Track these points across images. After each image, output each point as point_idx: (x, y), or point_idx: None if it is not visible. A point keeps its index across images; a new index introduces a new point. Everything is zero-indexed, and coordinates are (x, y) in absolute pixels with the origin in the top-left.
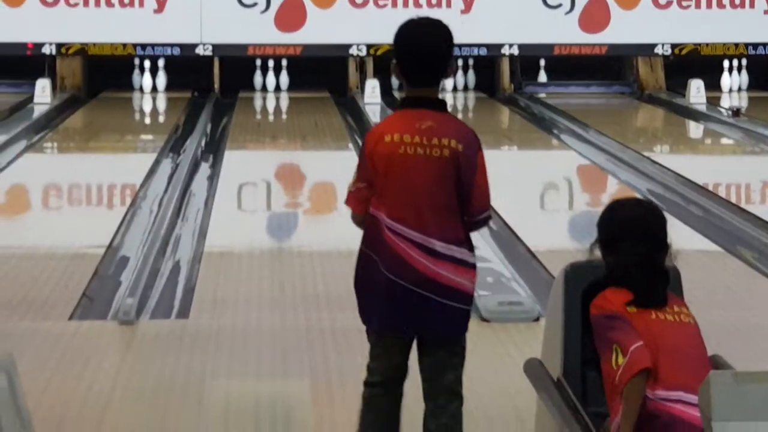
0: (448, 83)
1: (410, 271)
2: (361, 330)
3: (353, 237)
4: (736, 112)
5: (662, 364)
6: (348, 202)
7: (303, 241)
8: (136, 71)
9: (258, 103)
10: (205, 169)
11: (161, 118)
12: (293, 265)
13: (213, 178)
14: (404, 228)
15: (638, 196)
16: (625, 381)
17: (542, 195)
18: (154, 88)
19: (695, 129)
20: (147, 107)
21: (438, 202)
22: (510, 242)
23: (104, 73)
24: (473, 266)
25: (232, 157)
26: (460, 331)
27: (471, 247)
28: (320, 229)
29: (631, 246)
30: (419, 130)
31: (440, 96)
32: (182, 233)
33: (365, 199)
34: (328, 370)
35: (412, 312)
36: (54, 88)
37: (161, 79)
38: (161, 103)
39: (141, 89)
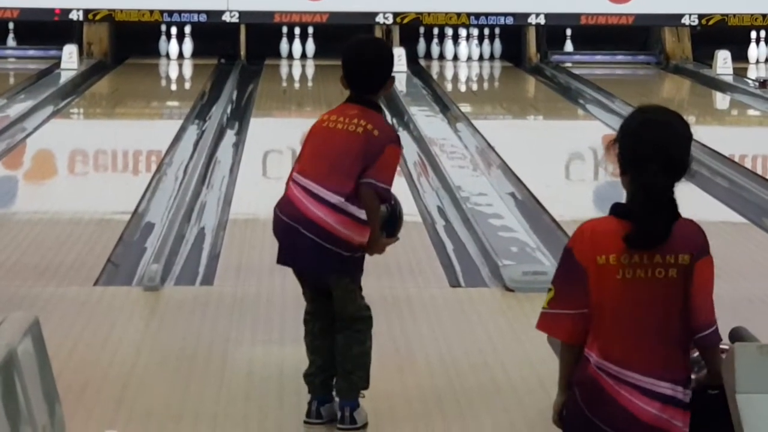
0: (474, 52)
1: (291, 208)
2: (383, 297)
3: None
4: (763, 83)
5: (602, 331)
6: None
7: None
8: (163, 38)
9: (284, 70)
10: (230, 136)
11: (187, 85)
12: None
13: (238, 146)
14: (302, 178)
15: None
16: (538, 327)
17: (567, 165)
18: (181, 55)
19: (722, 100)
20: (173, 74)
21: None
22: (535, 212)
23: (131, 40)
24: (360, 220)
25: (257, 125)
26: (332, 271)
27: (360, 205)
28: None
29: (649, 174)
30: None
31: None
32: (207, 200)
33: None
34: None
35: (289, 246)
36: (81, 54)
37: (187, 45)
38: (187, 70)
39: (167, 56)
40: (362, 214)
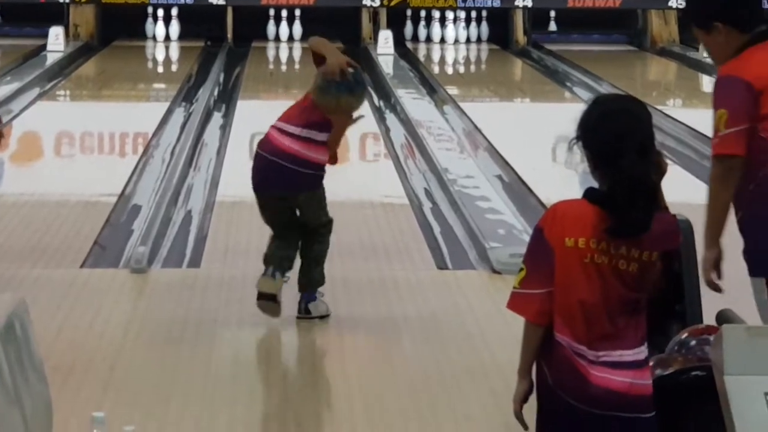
0: (461, 35)
1: (270, 146)
2: (370, 280)
3: (365, 187)
4: None
5: (569, 313)
6: None
7: None
8: (149, 20)
9: (271, 53)
10: (217, 118)
11: (174, 67)
12: None
13: (225, 128)
14: (277, 122)
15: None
16: (508, 306)
17: (554, 147)
18: (167, 37)
19: (708, 83)
20: (160, 56)
21: None
22: (522, 194)
23: (117, 22)
24: (318, 142)
25: (244, 107)
26: (302, 189)
27: (320, 128)
28: (331, 179)
29: (624, 164)
30: None
31: None
32: (194, 182)
33: None
34: (338, 321)
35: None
36: (67, 36)
37: (174, 27)
38: (174, 52)
39: (154, 38)
40: (320, 137)
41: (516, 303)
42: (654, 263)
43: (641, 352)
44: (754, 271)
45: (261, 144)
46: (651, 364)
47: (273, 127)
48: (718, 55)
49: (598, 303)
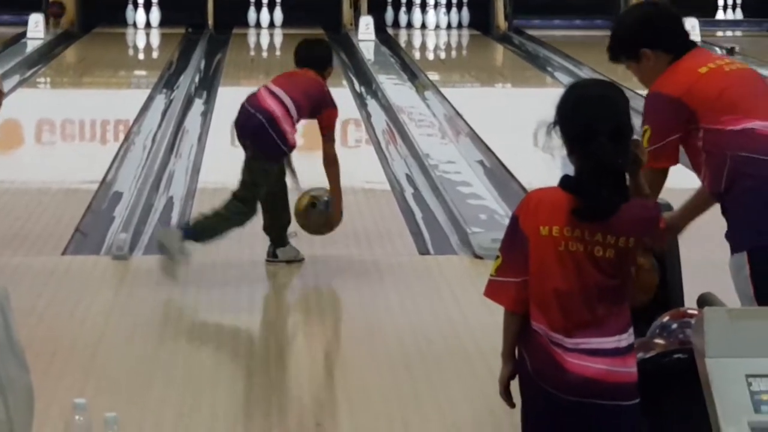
0: (442, 20)
1: (255, 100)
2: (352, 265)
3: (347, 174)
4: (730, 51)
5: (544, 302)
6: None
7: (298, 177)
8: (130, 6)
9: (252, 39)
10: (198, 105)
11: (155, 54)
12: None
13: (206, 115)
14: (272, 85)
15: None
16: (485, 294)
17: (535, 132)
18: (148, 24)
19: None
20: (141, 43)
21: None
22: (503, 179)
23: (98, 9)
24: (292, 123)
25: (225, 94)
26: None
27: (307, 114)
28: (314, 166)
29: (595, 147)
30: None
31: None
32: (176, 169)
33: None
34: (321, 306)
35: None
36: (47, 22)
37: (155, 14)
38: (155, 39)
39: (134, 25)
40: (299, 118)
41: (492, 291)
42: (631, 249)
43: (623, 340)
44: (736, 247)
45: (249, 98)
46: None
47: (266, 87)
48: (649, 79)
49: (574, 291)
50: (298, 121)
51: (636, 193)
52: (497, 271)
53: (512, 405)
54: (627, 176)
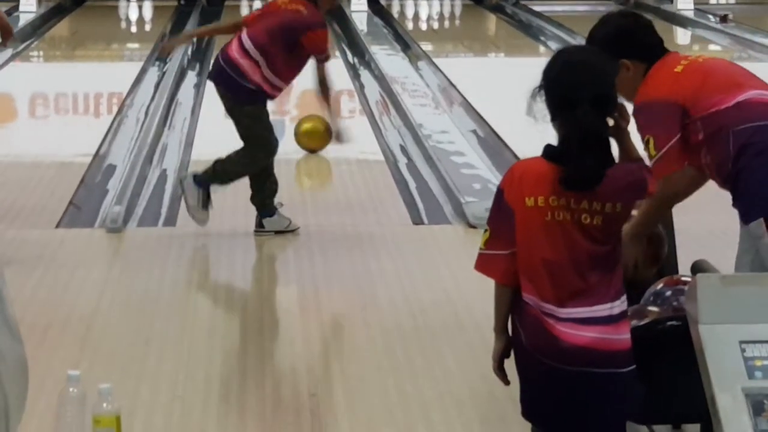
0: None
1: (223, 52)
2: (346, 235)
3: (340, 145)
4: (723, 18)
5: (534, 273)
6: None
7: (289, 148)
8: None
9: (244, 11)
10: (191, 77)
11: (147, 27)
12: (280, 172)
13: (199, 87)
14: (244, 35)
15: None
16: (476, 268)
17: (529, 102)
18: None
19: (683, 35)
20: (133, 15)
21: None
22: (497, 149)
23: None
24: (255, 62)
25: None
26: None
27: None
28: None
29: (577, 114)
30: None
31: None
32: (169, 142)
33: None
34: (314, 277)
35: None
36: None
37: None
38: (147, 12)
39: None
40: (256, 57)
41: (482, 264)
42: (620, 214)
43: (615, 307)
44: (751, 215)
45: (221, 50)
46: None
47: (237, 36)
48: (629, 91)
49: (563, 260)
50: (268, 59)
51: (626, 157)
52: (486, 244)
53: (507, 382)
54: (614, 142)
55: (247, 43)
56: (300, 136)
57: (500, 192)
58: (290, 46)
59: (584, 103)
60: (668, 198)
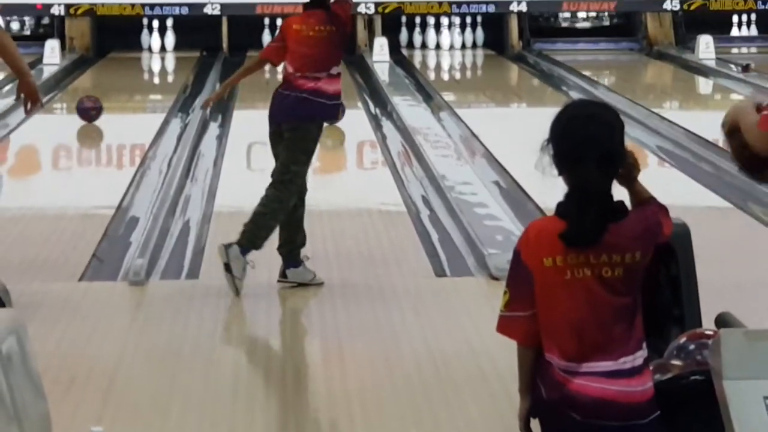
0: (457, 41)
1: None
2: (369, 287)
3: (363, 196)
4: (745, 68)
5: (556, 332)
6: None
7: (312, 200)
8: (145, 31)
9: None
10: (213, 128)
11: (170, 78)
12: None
13: (222, 138)
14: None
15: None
16: (497, 330)
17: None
18: (163, 48)
19: (705, 85)
20: (156, 67)
21: None
22: (519, 200)
23: (113, 34)
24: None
25: (240, 117)
26: (295, 117)
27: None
28: (329, 188)
29: (581, 171)
30: None
31: None
32: (191, 193)
33: None
34: (337, 330)
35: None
36: (63, 48)
37: (170, 38)
38: (170, 63)
39: (149, 49)
40: (334, 69)
41: (503, 326)
42: (639, 263)
43: (638, 357)
44: None
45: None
46: (649, 368)
47: (294, 75)
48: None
49: (587, 317)
50: (335, 66)
51: (638, 201)
52: (506, 307)
53: None
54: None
55: (316, 74)
56: None
57: (517, 254)
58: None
59: (588, 161)
60: None
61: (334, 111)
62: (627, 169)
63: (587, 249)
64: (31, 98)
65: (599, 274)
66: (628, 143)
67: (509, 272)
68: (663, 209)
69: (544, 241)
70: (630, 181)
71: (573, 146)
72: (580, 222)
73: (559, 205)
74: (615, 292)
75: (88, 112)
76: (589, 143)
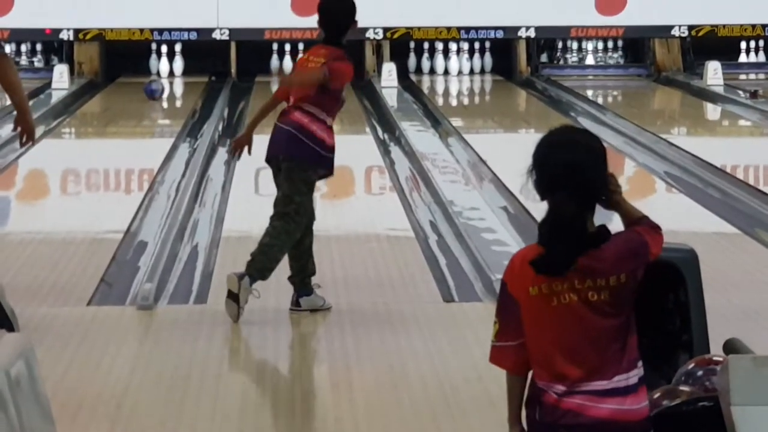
0: (465, 66)
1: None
2: (376, 313)
3: (371, 221)
4: (753, 94)
5: (546, 358)
6: None
7: (321, 225)
8: (153, 56)
9: (275, 87)
10: (222, 153)
11: (178, 103)
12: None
13: (230, 163)
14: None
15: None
16: (490, 360)
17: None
18: (171, 73)
19: (713, 111)
20: (164, 92)
21: None
22: (527, 225)
23: (121, 58)
24: (319, 119)
25: None
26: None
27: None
28: (338, 213)
29: (557, 199)
30: None
31: None
32: (200, 218)
33: None
34: (345, 355)
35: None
36: (72, 73)
37: (178, 63)
38: (178, 88)
39: (158, 74)
40: (323, 115)
41: (495, 356)
42: (625, 285)
43: (633, 376)
44: None
45: (279, 117)
46: (658, 394)
47: (293, 107)
48: None
49: (577, 340)
50: (325, 113)
51: (629, 222)
52: (496, 337)
53: None
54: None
55: (308, 107)
56: None
57: (504, 285)
58: (321, 91)
59: (565, 189)
60: None
61: (329, 163)
62: (608, 196)
63: (573, 273)
64: (27, 135)
65: (585, 298)
66: (636, 169)
67: (498, 303)
68: (653, 228)
69: (527, 270)
70: (615, 204)
71: (551, 173)
72: (549, 251)
73: (538, 232)
74: (604, 314)
75: (155, 94)
76: (567, 171)
